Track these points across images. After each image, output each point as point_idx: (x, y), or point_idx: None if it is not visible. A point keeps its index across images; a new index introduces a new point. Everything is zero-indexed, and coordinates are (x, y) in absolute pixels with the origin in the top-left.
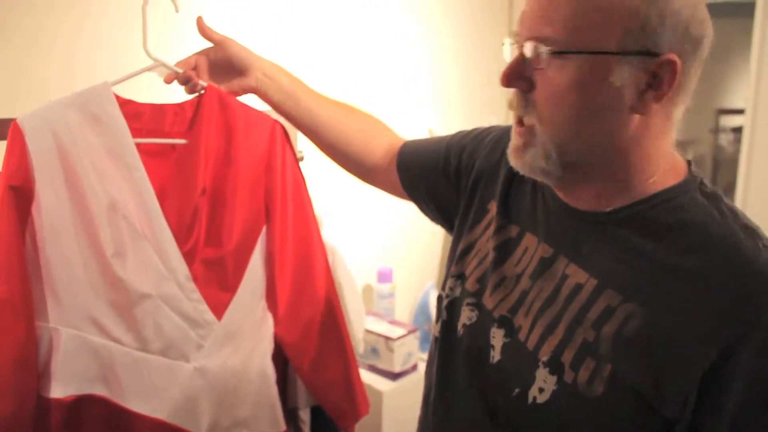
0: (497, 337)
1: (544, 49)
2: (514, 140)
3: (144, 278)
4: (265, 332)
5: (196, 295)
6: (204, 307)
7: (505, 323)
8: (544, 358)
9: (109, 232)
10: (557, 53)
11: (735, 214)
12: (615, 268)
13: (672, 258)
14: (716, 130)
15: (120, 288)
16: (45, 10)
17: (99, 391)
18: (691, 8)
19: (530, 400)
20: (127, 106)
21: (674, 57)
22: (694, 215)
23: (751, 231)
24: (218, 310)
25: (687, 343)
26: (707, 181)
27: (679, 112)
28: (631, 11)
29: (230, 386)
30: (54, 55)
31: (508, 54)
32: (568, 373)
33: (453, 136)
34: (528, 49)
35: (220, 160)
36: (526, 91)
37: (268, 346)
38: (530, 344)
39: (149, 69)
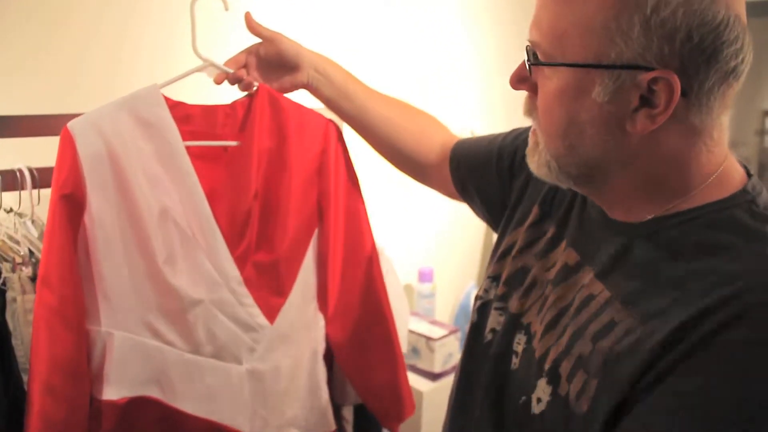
0: (521, 344)
1: (531, 57)
2: (529, 140)
3: (196, 284)
4: (316, 333)
5: (249, 299)
6: (256, 311)
7: (528, 329)
8: (546, 367)
9: (161, 238)
10: (534, 64)
11: None
12: (629, 283)
13: (685, 280)
14: (762, 132)
15: (172, 294)
16: (91, 11)
17: (152, 393)
18: (694, 15)
19: (531, 409)
20: (176, 109)
21: (669, 74)
22: (723, 235)
23: None
24: (271, 313)
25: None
26: (763, 199)
27: (711, 127)
28: (611, 20)
29: (281, 387)
30: (102, 55)
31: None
32: (563, 385)
33: (507, 135)
34: (526, 55)
35: (273, 162)
36: (532, 96)
37: (319, 347)
38: (538, 353)
39: (199, 69)
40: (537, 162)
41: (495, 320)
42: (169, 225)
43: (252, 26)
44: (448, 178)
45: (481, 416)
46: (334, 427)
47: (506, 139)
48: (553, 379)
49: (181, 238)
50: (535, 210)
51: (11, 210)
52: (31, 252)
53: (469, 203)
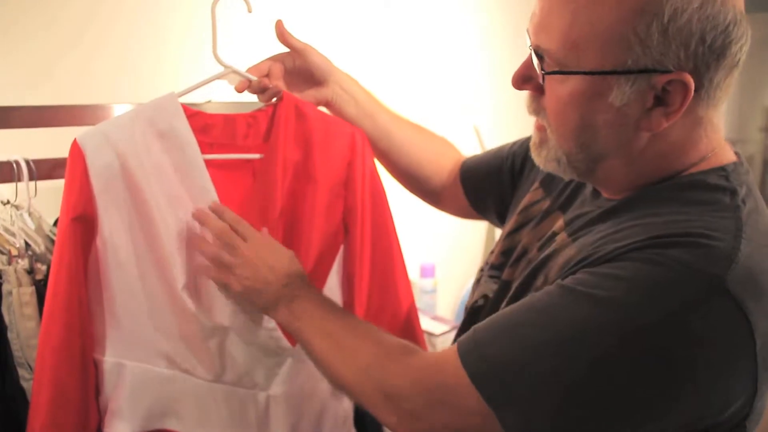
0: (505, 305)
1: (542, 64)
2: (533, 135)
3: (216, 309)
4: None
5: (272, 323)
6: (279, 334)
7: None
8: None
9: (179, 260)
10: (550, 73)
11: (739, 218)
12: (586, 227)
13: (627, 225)
14: (767, 128)
15: (191, 321)
16: (89, 2)
17: (169, 425)
18: (708, 20)
19: None
20: (195, 119)
21: (684, 76)
22: (678, 194)
23: (745, 239)
24: None
25: None
26: (737, 178)
27: (712, 116)
28: (629, 29)
29: (304, 412)
30: (98, 47)
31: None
32: None
33: (514, 143)
34: (533, 59)
35: (298, 175)
36: (537, 95)
37: None
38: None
39: (219, 77)
40: (546, 157)
41: (488, 287)
42: (188, 246)
43: (283, 35)
44: (460, 195)
45: None
46: None
47: (514, 146)
48: None
49: (201, 260)
50: (535, 189)
51: (8, 202)
52: (27, 244)
53: (483, 215)
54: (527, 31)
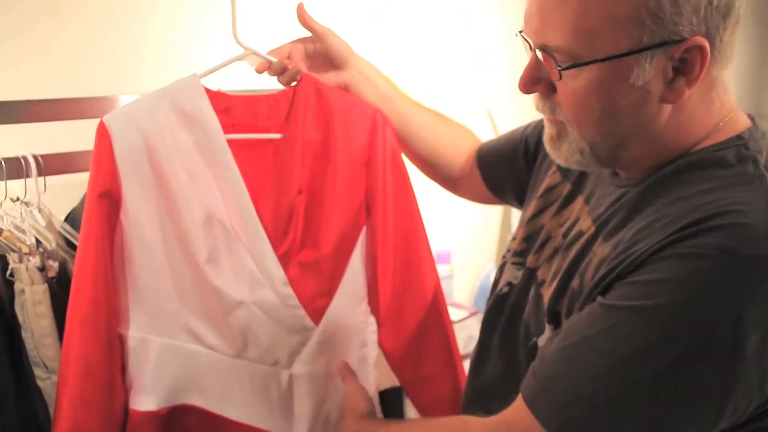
0: (533, 293)
1: (553, 62)
2: (548, 129)
3: (238, 284)
4: (366, 337)
5: (294, 300)
6: (302, 313)
7: (540, 280)
8: (546, 308)
9: (202, 236)
10: (568, 68)
11: (767, 189)
12: (613, 220)
13: (660, 213)
14: None
15: (213, 296)
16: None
17: (193, 400)
18: None
19: (540, 350)
20: (217, 99)
21: (699, 40)
22: (705, 172)
23: None
24: (316, 315)
25: None
26: (755, 144)
27: (723, 77)
28: (640, 4)
29: (327, 392)
30: (110, 39)
31: (524, 49)
32: (564, 323)
33: (527, 126)
34: (540, 58)
35: (318, 155)
36: (548, 94)
37: (370, 352)
38: (545, 298)
39: (240, 58)
40: (567, 151)
41: (512, 274)
42: (210, 222)
43: (304, 18)
44: (478, 181)
45: (497, 362)
46: None
47: (527, 129)
48: (554, 318)
49: (224, 235)
50: (553, 173)
51: (17, 199)
52: (38, 241)
53: (503, 199)
54: (523, 35)
